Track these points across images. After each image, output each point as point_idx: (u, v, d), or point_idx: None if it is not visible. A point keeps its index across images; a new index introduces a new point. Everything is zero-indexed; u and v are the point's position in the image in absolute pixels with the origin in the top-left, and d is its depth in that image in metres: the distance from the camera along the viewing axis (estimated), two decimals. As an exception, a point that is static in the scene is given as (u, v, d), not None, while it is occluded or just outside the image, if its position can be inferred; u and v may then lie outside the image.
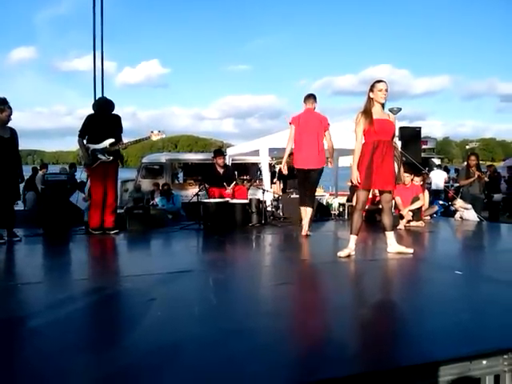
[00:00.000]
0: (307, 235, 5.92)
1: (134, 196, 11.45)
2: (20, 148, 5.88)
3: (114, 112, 6.28)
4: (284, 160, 6.38)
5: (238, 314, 2.74)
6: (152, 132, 6.28)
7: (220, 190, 7.53)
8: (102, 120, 6.11)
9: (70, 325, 2.55)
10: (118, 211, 7.03)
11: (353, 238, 4.47)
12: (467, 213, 7.83)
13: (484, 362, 2.04)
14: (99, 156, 6.03)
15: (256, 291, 3.40)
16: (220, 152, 8.08)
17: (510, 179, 15.06)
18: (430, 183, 12.87)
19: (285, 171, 6.50)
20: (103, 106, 6.24)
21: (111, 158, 6.07)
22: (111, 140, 6.05)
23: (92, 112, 6.21)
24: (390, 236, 4.57)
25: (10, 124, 5.54)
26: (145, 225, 6.57)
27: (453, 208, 8.24)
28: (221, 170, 7.68)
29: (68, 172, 9.74)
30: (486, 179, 8.49)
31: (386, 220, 4.56)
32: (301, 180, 6.15)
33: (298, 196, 7.85)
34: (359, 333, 2.49)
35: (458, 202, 7.98)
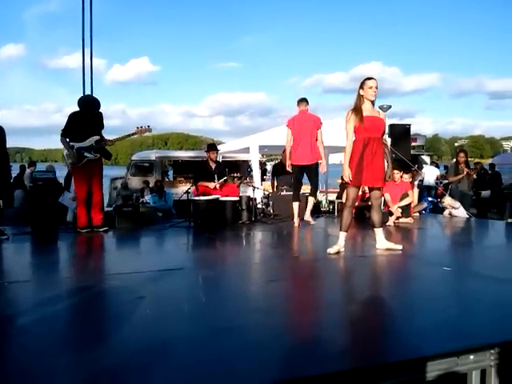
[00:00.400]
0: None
1: (122, 194, 11.39)
2: (8, 146, 5.81)
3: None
4: (287, 159, 6.61)
5: (228, 312, 2.74)
6: (138, 128, 6.25)
7: (209, 187, 7.49)
8: (87, 118, 6.04)
9: (58, 323, 2.54)
10: (107, 209, 7.00)
11: (342, 235, 4.49)
12: (457, 210, 7.90)
13: (471, 356, 2.06)
14: (85, 154, 5.97)
15: (246, 288, 3.40)
16: (214, 146, 8.03)
17: (493, 176, 15.14)
18: (423, 180, 12.93)
19: (289, 168, 6.74)
20: (90, 104, 6.16)
21: (98, 155, 6.03)
22: (96, 137, 6.01)
23: (75, 110, 6.11)
24: (379, 233, 4.59)
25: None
26: (134, 223, 6.53)
27: (441, 205, 8.28)
28: (213, 166, 7.64)
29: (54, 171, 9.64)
30: (475, 176, 8.57)
31: (375, 217, 4.58)
32: (296, 175, 6.80)
33: (288, 193, 7.97)
34: (349, 329, 2.50)
35: (447, 200, 8.04)
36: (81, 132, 5.99)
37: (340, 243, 4.46)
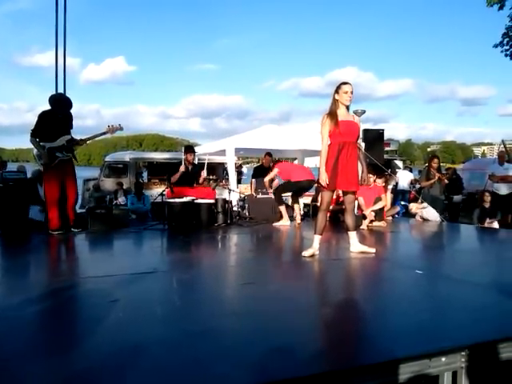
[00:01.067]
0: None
1: (95, 195, 11.22)
2: (-21, 145, 5.66)
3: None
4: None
5: (202, 315, 2.72)
6: (109, 126, 6.19)
7: (185, 189, 7.43)
8: (58, 118, 5.94)
9: (27, 328, 2.48)
10: (80, 211, 6.89)
11: (317, 238, 4.52)
12: (427, 212, 8.03)
13: (443, 358, 2.10)
14: (57, 154, 5.87)
15: (221, 291, 3.38)
16: (191, 148, 7.96)
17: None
18: (397, 184, 13.12)
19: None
20: (62, 104, 6.06)
21: (70, 155, 5.94)
22: (68, 137, 5.93)
23: (46, 109, 6.00)
24: (353, 236, 4.64)
25: None
26: (107, 225, 6.43)
27: (411, 212, 8.38)
28: (189, 167, 7.58)
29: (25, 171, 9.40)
30: (446, 181, 8.73)
31: (349, 220, 4.62)
32: (300, 188, 7.51)
33: (264, 196, 8.03)
34: (322, 332, 2.52)
35: (413, 206, 8.14)
36: (52, 132, 5.88)
37: (314, 246, 4.49)
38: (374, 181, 7.50)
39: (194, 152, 7.81)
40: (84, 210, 6.68)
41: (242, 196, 8.57)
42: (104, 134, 6.25)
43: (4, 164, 12.52)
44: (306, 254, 4.44)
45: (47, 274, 3.98)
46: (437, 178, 8.23)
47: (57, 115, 5.93)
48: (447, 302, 3.06)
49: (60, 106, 6.00)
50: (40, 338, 2.37)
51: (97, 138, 6.42)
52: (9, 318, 2.62)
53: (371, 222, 7.12)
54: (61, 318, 2.76)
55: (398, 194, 12.58)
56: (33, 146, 5.97)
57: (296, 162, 13.54)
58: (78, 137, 6.11)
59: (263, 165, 9.88)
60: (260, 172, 9.56)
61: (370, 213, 7.10)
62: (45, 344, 2.28)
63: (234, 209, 7.72)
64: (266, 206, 8.05)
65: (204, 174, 7.68)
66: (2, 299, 3.12)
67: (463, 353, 2.13)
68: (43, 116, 5.91)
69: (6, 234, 5.75)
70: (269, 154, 9.68)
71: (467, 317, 2.67)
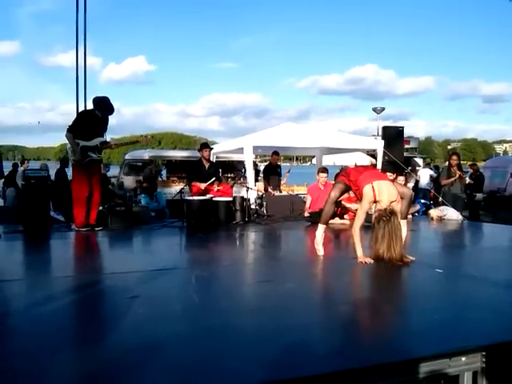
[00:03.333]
0: None
1: (117, 193, 11.32)
2: (1, 143, 5.84)
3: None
4: None
5: (219, 312, 2.73)
6: (141, 136, 6.68)
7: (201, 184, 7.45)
8: (99, 120, 6.11)
9: (50, 323, 2.52)
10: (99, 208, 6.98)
11: (321, 227, 4.46)
12: (448, 211, 7.90)
13: (463, 358, 2.07)
14: (89, 153, 6.02)
15: (238, 289, 3.40)
16: (206, 145, 7.99)
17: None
18: (417, 182, 12.98)
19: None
20: (105, 107, 6.17)
21: (101, 156, 6.19)
22: (102, 139, 6.12)
23: (88, 109, 6.20)
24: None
25: None
26: (127, 222, 6.50)
27: (429, 217, 8.17)
28: (206, 165, 7.61)
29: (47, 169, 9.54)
30: (468, 179, 8.59)
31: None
32: None
33: (280, 195, 8.02)
34: (341, 330, 2.50)
35: (434, 214, 7.92)
36: (89, 131, 6.04)
37: (317, 235, 4.46)
38: (395, 179, 7.40)
39: (209, 148, 7.84)
40: (104, 208, 6.75)
41: (260, 194, 8.58)
42: (136, 142, 6.48)
43: (26, 162, 12.75)
44: (316, 246, 4.44)
45: (69, 270, 4.03)
46: (457, 175, 8.11)
47: (97, 117, 6.09)
48: (468, 301, 3.02)
49: (103, 109, 6.15)
50: (62, 333, 2.41)
51: (116, 135, 6.60)
52: (33, 314, 2.68)
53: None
54: (82, 314, 2.81)
55: (419, 193, 12.44)
56: (68, 142, 6.15)
57: (314, 160, 13.50)
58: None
59: (271, 163, 9.92)
60: (270, 171, 9.63)
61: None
62: (68, 338, 2.33)
63: (252, 206, 7.73)
64: (284, 204, 8.05)
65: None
66: (26, 295, 3.19)
67: (484, 353, 2.10)
68: (84, 115, 6.19)
69: (29, 231, 5.86)
70: (276, 152, 9.69)
71: (488, 316, 2.63)
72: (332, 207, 4.47)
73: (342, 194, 4.50)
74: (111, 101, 6.26)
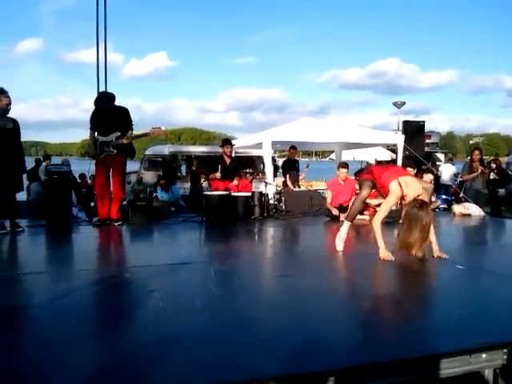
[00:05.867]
0: None
1: (137, 188, 11.44)
2: (24, 139, 5.90)
3: (118, 104, 6.31)
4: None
5: (238, 306, 2.75)
6: (153, 128, 6.48)
7: (224, 183, 7.52)
8: (104, 114, 6.15)
9: (71, 315, 2.57)
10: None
11: (346, 224, 4.43)
12: (471, 208, 7.77)
13: (484, 355, 2.05)
14: (105, 148, 6.11)
15: (257, 283, 3.41)
16: (228, 141, 8.01)
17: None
18: (439, 177, 12.79)
19: None
20: (102, 101, 6.27)
21: (115, 151, 6.11)
22: (117, 133, 6.12)
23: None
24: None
25: (13, 115, 5.56)
26: (147, 217, 6.57)
27: (452, 212, 8.04)
28: (228, 161, 7.64)
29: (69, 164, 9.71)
30: (494, 175, 8.40)
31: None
32: None
33: (299, 190, 7.99)
34: (361, 325, 2.49)
35: (456, 210, 7.79)
36: (103, 128, 6.16)
37: (341, 231, 4.43)
38: (421, 177, 7.27)
39: (231, 145, 7.85)
40: (125, 203, 6.82)
41: (279, 189, 8.57)
42: (147, 134, 6.50)
43: (49, 158, 12.96)
44: (337, 241, 4.42)
45: (90, 263, 4.10)
46: (480, 171, 7.97)
47: (100, 112, 6.17)
48: (489, 297, 2.97)
49: (101, 102, 6.25)
50: (84, 324, 2.45)
51: (137, 131, 6.60)
52: (55, 306, 2.73)
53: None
54: (103, 306, 2.86)
55: (440, 188, 12.26)
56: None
57: (333, 155, 13.42)
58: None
59: (289, 158, 9.90)
60: (288, 166, 9.62)
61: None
62: (89, 330, 2.37)
63: (271, 202, 7.73)
64: (303, 200, 8.03)
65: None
66: (48, 287, 3.25)
67: (505, 350, 2.07)
68: (93, 113, 6.27)
69: (51, 225, 5.96)
70: (293, 147, 9.68)
71: (510, 313, 2.60)
72: (361, 205, 4.49)
73: (370, 191, 4.45)
74: (111, 92, 6.47)
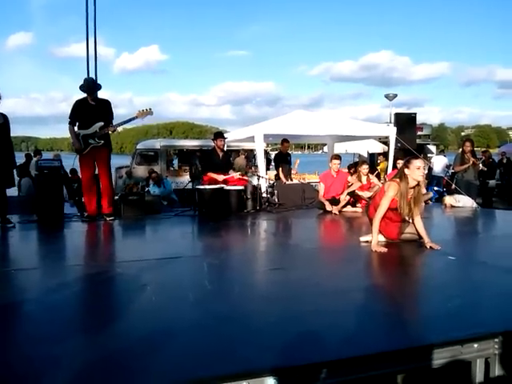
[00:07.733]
0: None
1: (127, 182, 11.42)
2: (14, 134, 5.84)
3: (102, 97, 6.28)
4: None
5: (231, 299, 2.75)
6: (139, 111, 6.25)
7: (218, 176, 7.46)
8: (90, 105, 6.04)
9: (63, 310, 2.55)
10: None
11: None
12: (462, 200, 7.82)
13: (475, 345, 2.06)
14: (90, 141, 5.99)
15: (250, 276, 3.41)
16: (221, 134, 7.94)
17: (507, 165, 15.03)
18: (431, 169, 12.86)
19: None
20: (87, 86, 6.12)
21: (102, 142, 6.02)
22: (101, 123, 6.00)
23: (80, 97, 6.12)
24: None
25: (3, 110, 5.52)
26: (140, 211, 6.55)
27: (443, 204, 8.09)
28: (220, 154, 7.60)
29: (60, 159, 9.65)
30: (482, 167, 8.47)
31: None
32: None
33: (292, 183, 7.98)
34: (353, 317, 2.49)
35: (448, 201, 7.85)
36: (85, 119, 6.01)
37: (374, 236, 4.20)
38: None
39: (223, 138, 7.81)
40: (117, 197, 6.79)
41: (271, 182, 8.56)
42: (134, 118, 6.30)
43: (39, 153, 12.87)
44: (363, 238, 4.41)
45: (82, 259, 4.09)
46: (471, 162, 8.01)
47: (87, 103, 6.04)
48: (480, 287, 2.99)
49: (85, 88, 6.09)
50: (75, 319, 2.45)
51: (128, 125, 6.49)
52: (47, 301, 2.72)
53: (344, 206, 6.99)
54: (96, 301, 2.84)
55: (432, 180, 12.33)
56: (70, 134, 6.13)
57: (325, 148, 13.42)
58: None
59: (281, 152, 9.90)
60: (280, 159, 9.63)
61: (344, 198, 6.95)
62: (81, 325, 2.36)
63: (263, 195, 7.73)
64: (295, 193, 8.04)
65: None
66: (39, 283, 3.24)
67: (496, 339, 2.09)
68: (76, 104, 6.05)
69: (42, 220, 5.93)
70: (286, 140, 9.68)
71: (501, 303, 2.62)
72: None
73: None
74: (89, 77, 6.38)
